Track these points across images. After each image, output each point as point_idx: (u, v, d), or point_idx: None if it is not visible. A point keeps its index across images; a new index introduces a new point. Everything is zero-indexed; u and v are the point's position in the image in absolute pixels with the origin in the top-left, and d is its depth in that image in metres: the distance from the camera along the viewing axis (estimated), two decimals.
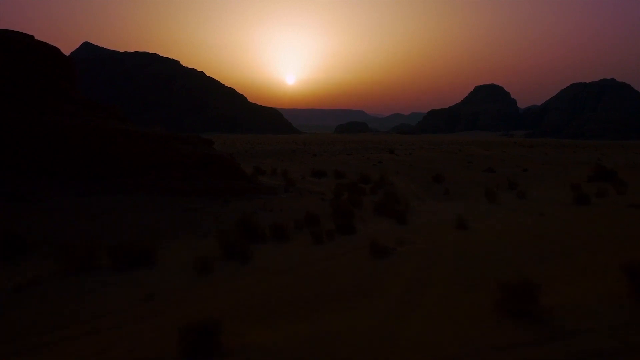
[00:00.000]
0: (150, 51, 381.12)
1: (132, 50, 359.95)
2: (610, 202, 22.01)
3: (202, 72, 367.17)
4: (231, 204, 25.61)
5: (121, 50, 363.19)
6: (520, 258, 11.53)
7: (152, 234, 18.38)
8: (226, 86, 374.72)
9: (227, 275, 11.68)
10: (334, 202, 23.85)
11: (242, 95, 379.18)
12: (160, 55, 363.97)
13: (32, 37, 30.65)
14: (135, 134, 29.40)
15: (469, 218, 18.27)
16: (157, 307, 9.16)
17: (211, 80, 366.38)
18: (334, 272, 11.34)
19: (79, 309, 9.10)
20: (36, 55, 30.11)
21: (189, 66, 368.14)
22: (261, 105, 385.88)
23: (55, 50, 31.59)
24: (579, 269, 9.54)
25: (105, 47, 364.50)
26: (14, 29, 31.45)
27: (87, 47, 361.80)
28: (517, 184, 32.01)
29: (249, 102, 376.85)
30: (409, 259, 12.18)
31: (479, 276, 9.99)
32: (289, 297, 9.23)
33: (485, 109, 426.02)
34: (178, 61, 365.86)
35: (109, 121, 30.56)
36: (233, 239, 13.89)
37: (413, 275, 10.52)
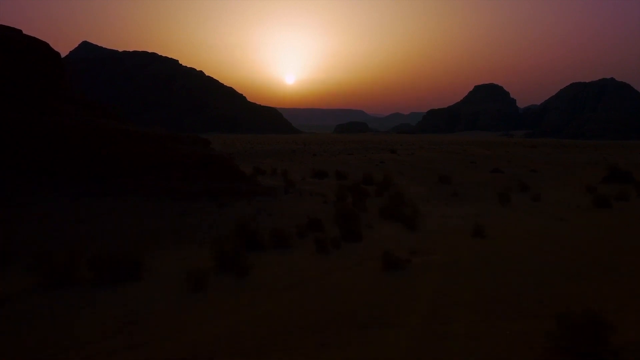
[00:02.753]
0: (150, 50, 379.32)
1: (131, 50, 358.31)
2: (633, 206, 20.68)
3: (201, 72, 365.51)
4: (230, 206, 24.28)
5: (120, 50, 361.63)
6: (554, 274, 10.20)
7: (147, 239, 17.15)
8: (226, 86, 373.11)
9: (222, 293, 10.32)
10: (338, 206, 22.50)
11: (242, 95, 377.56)
12: (160, 54, 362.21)
13: (20, 31, 29.28)
14: (135, 134, 28.22)
15: (484, 223, 16.93)
16: (139, 336, 7.80)
17: (210, 80, 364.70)
18: (344, 290, 9.99)
19: (47, 338, 7.74)
20: (36, 55, 28.91)
21: (188, 65, 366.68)
22: (261, 105, 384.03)
23: (45, 46, 30.23)
24: (632, 289, 8.19)
25: (104, 47, 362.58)
26: (12, 28, 29.99)
27: (85, 46, 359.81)
28: (527, 185, 30.65)
29: (249, 102, 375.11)
30: (427, 274, 10.85)
31: (513, 297, 8.66)
32: (293, 324, 7.88)
33: (484, 108, 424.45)
34: (177, 60, 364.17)
35: (108, 121, 29.37)
36: (229, 249, 12.53)
37: (435, 295, 9.19)
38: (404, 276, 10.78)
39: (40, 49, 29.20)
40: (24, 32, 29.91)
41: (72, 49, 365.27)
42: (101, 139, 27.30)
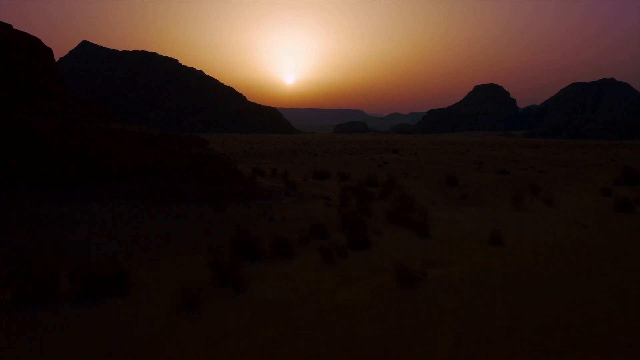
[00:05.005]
0: (149, 50, 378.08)
1: (130, 49, 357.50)
2: None
3: (201, 71, 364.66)
4: (226, 211, 23.06)
5: (120, 49, 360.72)
6: (594, 292, 9.02)
7: (139, 246, 15.92)
8: (225, 85, 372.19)
9: (216, 311, 9.14)
10: (342, 209, 21.31)
11: (242, 94, 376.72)
12: (159, 54, 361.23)
13: (10, 26, 28.05)
14: (122, 134, 26.77)
15: (500, 229, 15.76)
16: None
17: (210, 80, 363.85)
18: (355, 310, 8.81)
19: None
20: (26, 51, 27.55)
21: (188, 65, 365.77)
22: (260, 105, 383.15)
23: (37, 42, 28.99)
24: None
25: (103, 46, 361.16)
26: (1, 22, 28.73)
27: (85, 46, 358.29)
28: (538, 187, 29.44)
29: (248, 102, 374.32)
30: (448, 290, 9.67)
31: (554, 322, 7.47)
32: (296, 355, 6.70)
33: (484, 108, 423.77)
34: (177, 60, 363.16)
35: (94, 120, 27.98)
36: (226, 260, 11.34)
37: (461, 318, 8.00)
38: (422, 293, 9.61)
39: (30, 45, 27.92)
40: (23, 30, 28.70)
41: (71, 48, 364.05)
42: (85, 140, 25.87)
